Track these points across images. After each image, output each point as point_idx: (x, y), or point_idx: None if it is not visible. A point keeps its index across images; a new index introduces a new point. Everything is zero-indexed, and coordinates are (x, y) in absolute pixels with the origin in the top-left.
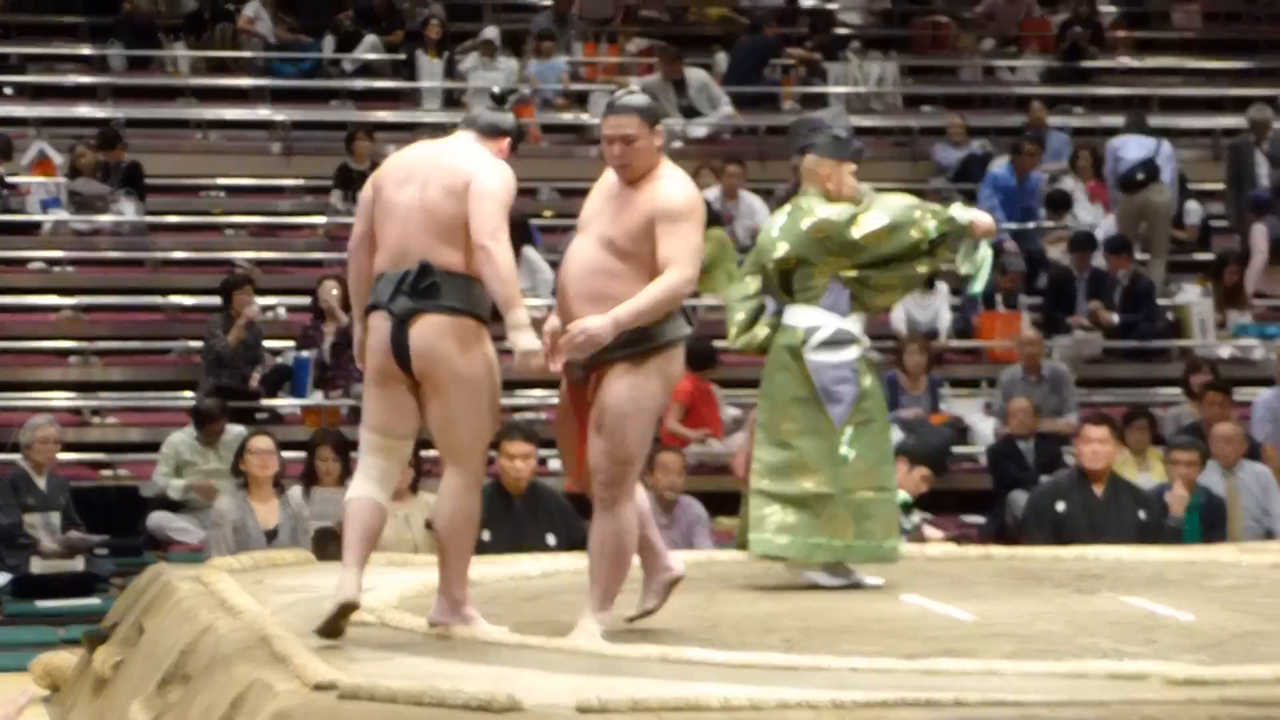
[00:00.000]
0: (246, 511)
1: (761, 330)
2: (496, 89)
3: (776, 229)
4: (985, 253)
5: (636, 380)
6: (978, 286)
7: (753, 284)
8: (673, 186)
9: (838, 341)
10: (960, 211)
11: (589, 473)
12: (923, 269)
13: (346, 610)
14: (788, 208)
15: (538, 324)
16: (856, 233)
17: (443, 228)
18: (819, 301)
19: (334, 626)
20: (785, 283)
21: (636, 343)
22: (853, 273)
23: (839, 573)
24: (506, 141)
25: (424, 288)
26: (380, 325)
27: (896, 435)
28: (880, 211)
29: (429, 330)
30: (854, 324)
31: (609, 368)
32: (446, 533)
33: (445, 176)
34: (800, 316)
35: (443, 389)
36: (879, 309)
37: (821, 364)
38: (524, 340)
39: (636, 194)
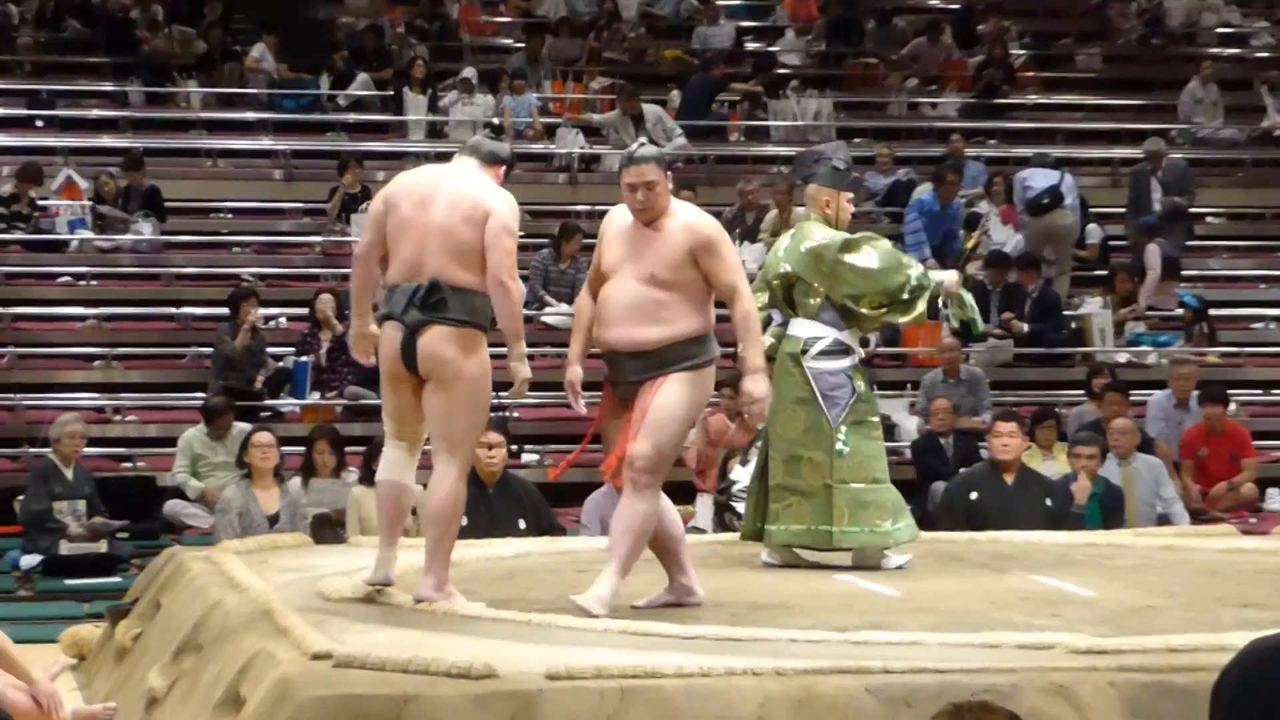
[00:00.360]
0: (250, 499)
1: (768, 340)
2: (494, 119)
3: (781, 249)
4: (969, 299)
5: (689, 391)
6: (980, 327)
7: (762, 298)
8: (697, 217)
9: (834, 351)
10: (932, 274)
11: (626, 462)
12: (902, 319)
13: (381, 587)
14: (793, 230)
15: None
16: (848, 258)
17: (457, 249)
18: (818, 316)
19: (369, 596)
20: (788, 298)
21: (693, 358)
22: (839, 294)
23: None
24: (503, 170)
25: (433, 302)
26: (392, 334)
27: None
28: (871, 253)
29: (435, 339)
30: (849, 337)
31: (664, 378)
32: (437, 517)
33: (465, 204)
34: (802, 328)
35: (445, 386)
36: (866, 330)
37: (820, 370)
38: (524, 369)
39: (664, 230)
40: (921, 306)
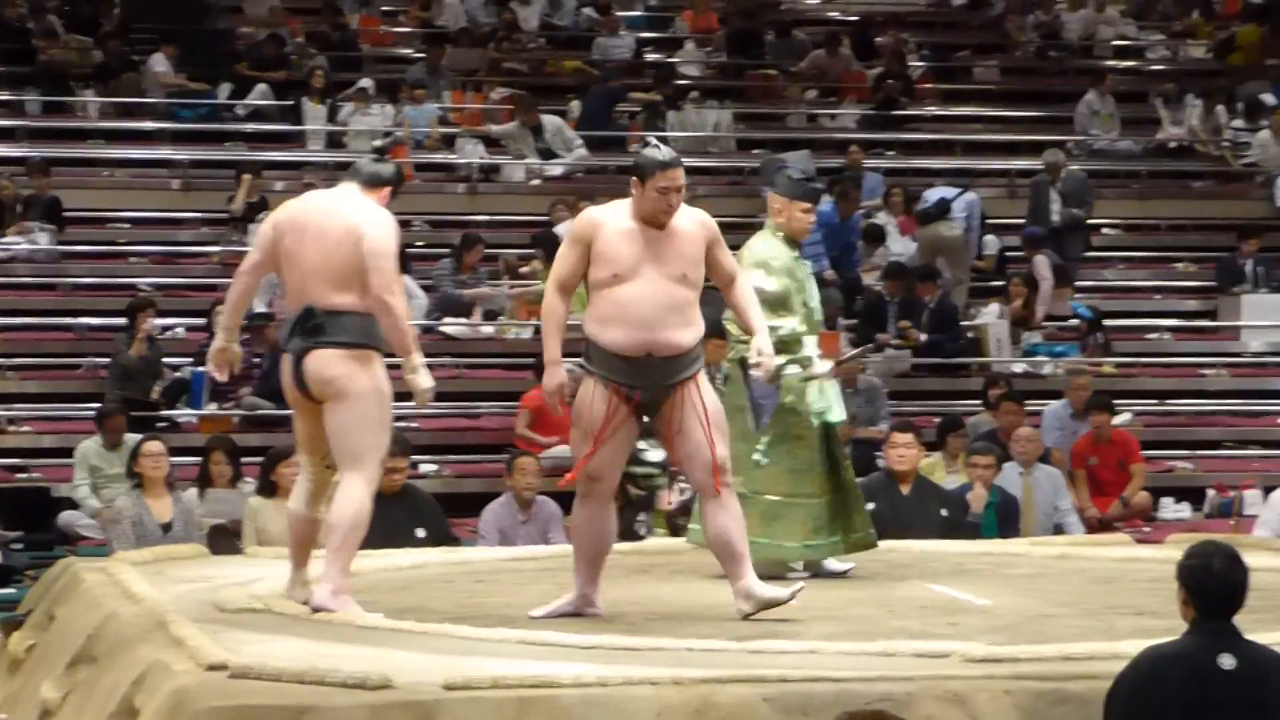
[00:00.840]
0: (143, 509)
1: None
2: (378, 141)
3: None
4: (832, 393)
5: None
6: (830, 419)
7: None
8: (699, 213)
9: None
10: (809, 348)
11: (719, 469)
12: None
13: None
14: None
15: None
16: (751, 275)
17: (335, 274)
18: None
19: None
20: None
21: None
22: None
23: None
24: (387, 190)
25: (310, 327)
26: (285, 365)
27: None
28: (771, 279)
29: (318, 362)
30: (808, 348)
31: (696, 378)
32: (337, 524)
33: (339, 229)
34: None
35: (337, 404)
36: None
37: (758, 378)
38: (422, 380)
39: (679, 230)
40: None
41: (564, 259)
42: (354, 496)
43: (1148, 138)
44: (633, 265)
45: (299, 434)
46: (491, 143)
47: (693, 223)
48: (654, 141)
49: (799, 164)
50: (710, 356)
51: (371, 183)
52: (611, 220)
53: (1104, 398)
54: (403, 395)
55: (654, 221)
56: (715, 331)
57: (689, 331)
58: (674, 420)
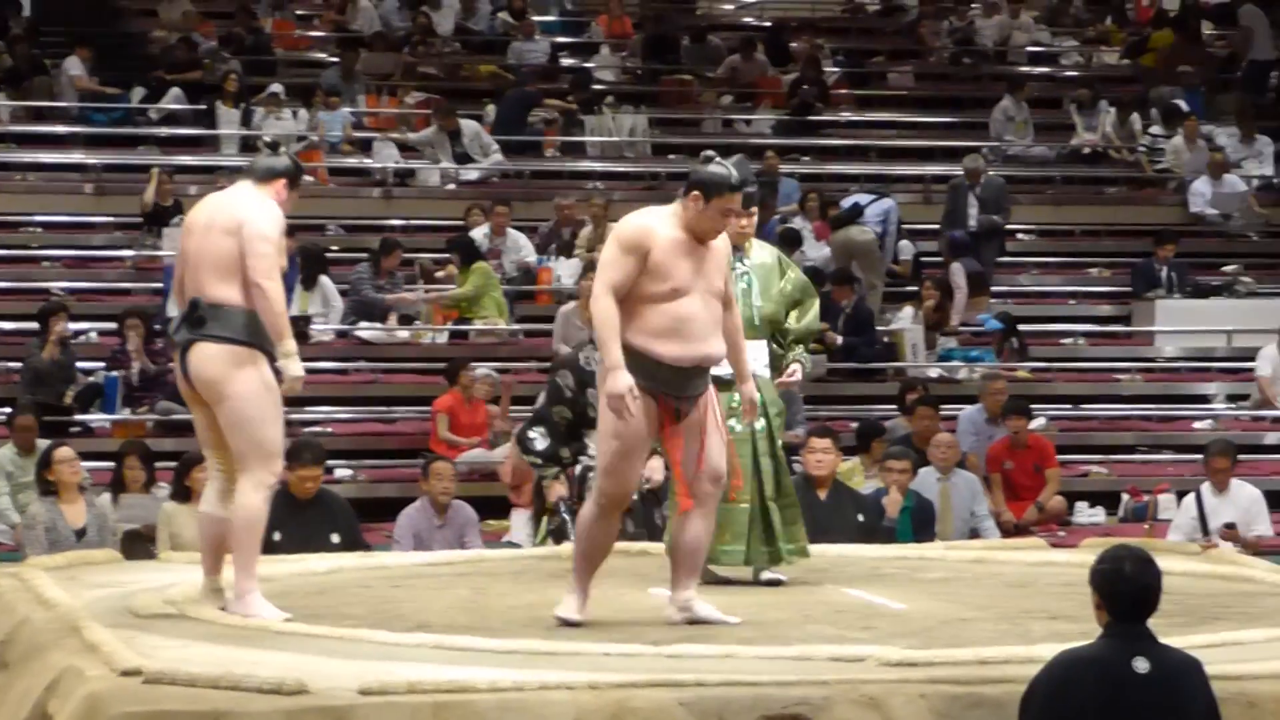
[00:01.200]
0: (56, 514)
1: None
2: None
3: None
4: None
5: None
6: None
7: None
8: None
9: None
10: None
11: (710, 472)
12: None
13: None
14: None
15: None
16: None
17: (218, 266)
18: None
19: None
20: None
21: None
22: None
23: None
24: (282, 183)
25: (194, 319)
26: (176, 358)
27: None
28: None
29: (200, 356)
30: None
31: (710, 386)
32: (233, 531)
33: (223, 220)
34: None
35: (220, 404)
36: None
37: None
38: (293, 367)
39: (714, 245)
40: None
41: (618, 267)
42: (241, 500)
43: (1062, 144)
44: (689, 280)
45: (198, 429)
46: (406, 147)
47: (722, 241)
48: (718, 158)
49: (735, 167)
50: None
51: (265, 177)
52: (663, 231)
53: (1021, 403)
54: (320, 400)
55: (701, 236)
56: None
57: (723, 342)
58: (692, 423)
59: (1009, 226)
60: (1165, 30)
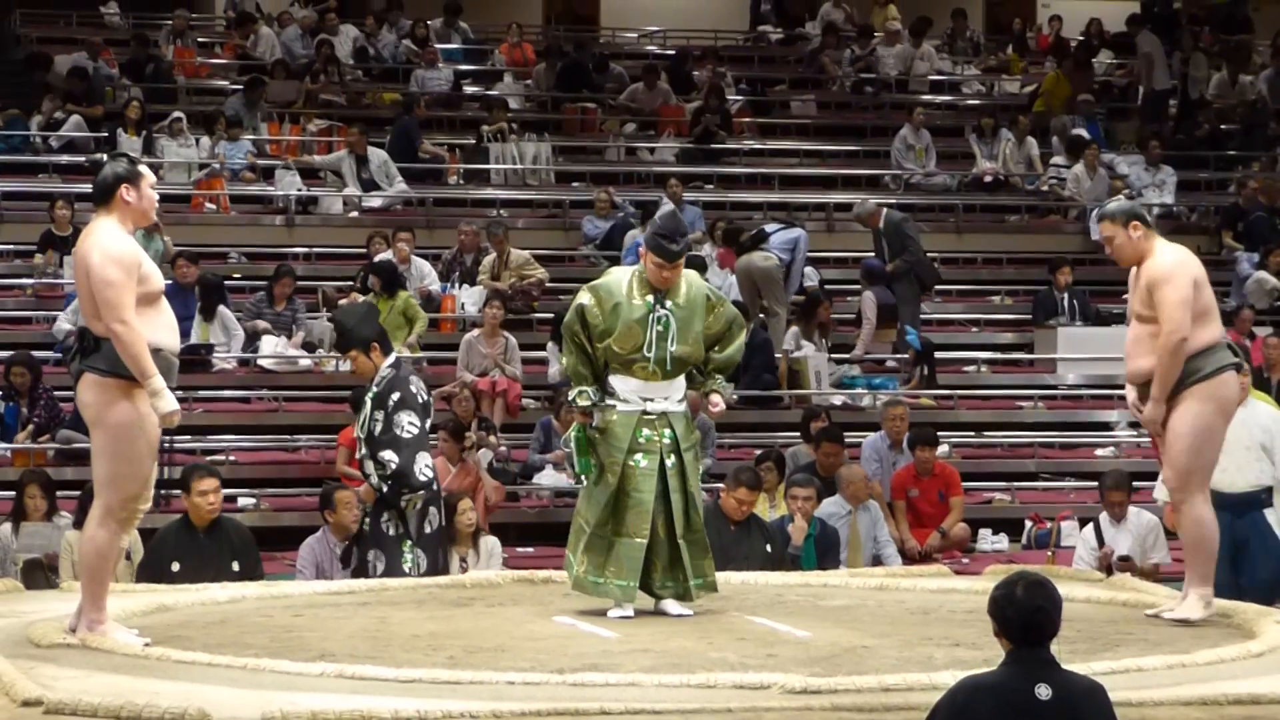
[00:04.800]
0: None
1: None
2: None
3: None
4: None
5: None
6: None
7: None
8: (1160, 257)
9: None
10: (581, 399)
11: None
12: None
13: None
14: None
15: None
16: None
17: (86, 301)
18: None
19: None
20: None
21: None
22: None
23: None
24: (121, 191)
25: (83, 349)
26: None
27: (559, 478)
28: (591, 303)
29: (82, 387)
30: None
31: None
32: (81, 562)
33: (78, 258)
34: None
35: (91, 431)
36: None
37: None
38: (161, 404)
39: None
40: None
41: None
42: (88, 532)
43: (963, 171)
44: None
45: None
46: (309, 174)
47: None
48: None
49: (665, 222)
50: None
51: (101, 199)
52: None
53: (929, 431)
54: (222, 429)
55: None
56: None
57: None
58: None
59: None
60: (1053, 74)
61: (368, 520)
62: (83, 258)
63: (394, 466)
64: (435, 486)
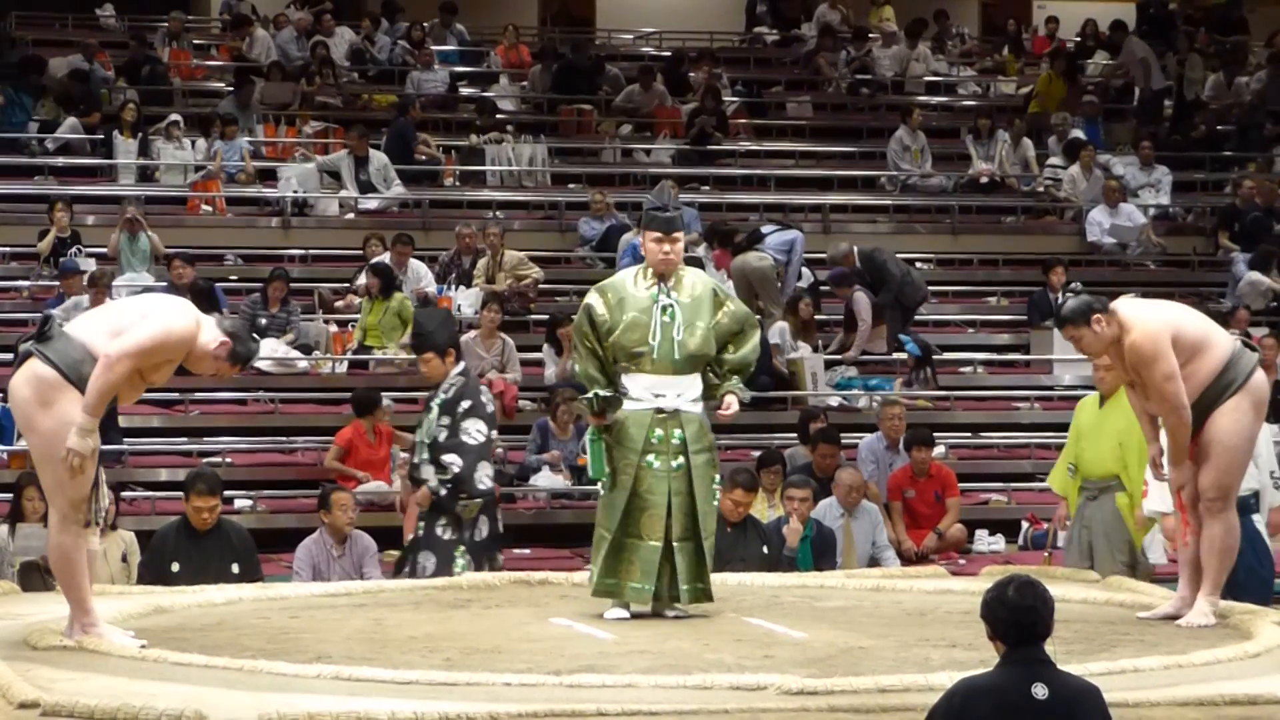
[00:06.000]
0: None
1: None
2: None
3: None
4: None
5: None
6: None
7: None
8: (1135, 336)
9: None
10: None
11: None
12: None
13: None
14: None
15: None
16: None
17: (113, 323)
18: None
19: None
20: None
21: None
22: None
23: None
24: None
25: (40, 334)
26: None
27: (555, 480)
28: (599, 305)
29: (23, 373)
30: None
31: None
32: (53, 570)
33: (139, 308)
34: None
35: (26, 435)
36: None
37: None
38: (74, 440)
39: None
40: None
41: None
42: (51, 539)
43: (959, 173)
44: None
45: None
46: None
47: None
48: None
49: (655, 195)
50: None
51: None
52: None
53: (925, 432)
54: (219, 430)
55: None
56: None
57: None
58: None
59: (908, 256)
60: (1047, 74)
61: (422, 525)
62: (145, 311)
63: (456, 470)
64: (493, 496)
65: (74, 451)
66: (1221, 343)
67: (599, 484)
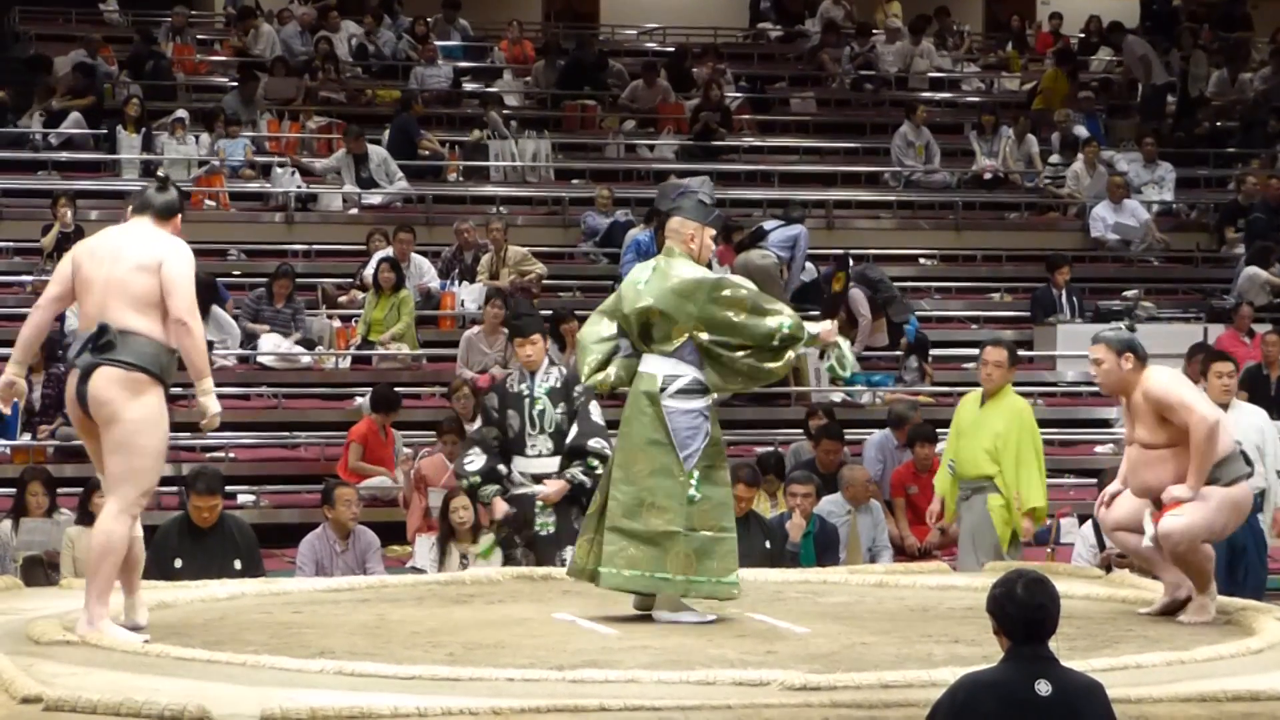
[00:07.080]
0: None
1: (614, 372)
2: (162, 171)
3: (642, 281)
4: (846, 346)
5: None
6: (847, 372)
7: (609, 328)
8: (1154, 382)
9: (692, 390)
10: (810, 326)
11: None
12: (770, 366)
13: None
14: (653, 262)
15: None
16: (723, 292)
17: (134, 298)
18: (678, 353)
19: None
20: (645, 333)
21: None
22: (705, 337)
23: (679, 607)
24: (179, 218)
25: (102, 344)
26: (71, 380)
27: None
28: (743, 285)
29: (101, 380)
30: (707, 375)
31: None
32: (92, 557)
33: (138, 255)
34: (658, 365)
35: (109, 428)
36: (723, 390)
37: (676, 410)
38: (212, 404)
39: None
40: (790, 355)
41: None
42: (104, 525)
43: (963, 169)
44: None
45: (91, 455)
46: (308, 171)
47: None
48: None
49: (704, 188)
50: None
51: (165, 214)
52: None
53: (927, 427)
54: (221, 425)
55: None
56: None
57: None
58: None
59: (911, 252)
60: (1051, 71)
61: (551, 520)
62: (148, 254)
63: (609, 452)
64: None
65: (215, 415)
66: (1226, 438)
67: (691, 487)
